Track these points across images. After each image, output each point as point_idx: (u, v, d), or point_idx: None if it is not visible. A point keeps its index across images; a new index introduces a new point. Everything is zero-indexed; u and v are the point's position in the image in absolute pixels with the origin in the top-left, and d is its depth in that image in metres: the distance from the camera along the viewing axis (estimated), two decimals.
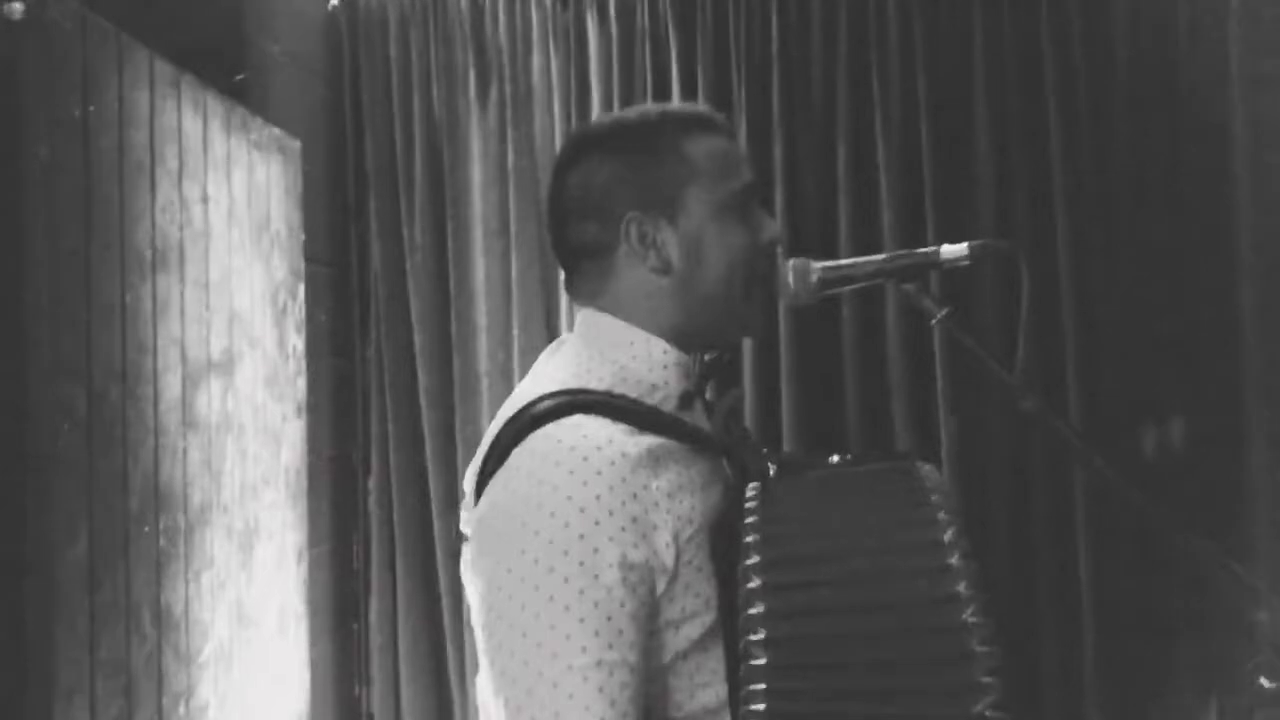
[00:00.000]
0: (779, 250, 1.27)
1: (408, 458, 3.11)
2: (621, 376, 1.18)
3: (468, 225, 3.13)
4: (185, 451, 2.14)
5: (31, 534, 1.71)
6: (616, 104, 3.08)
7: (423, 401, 3.10)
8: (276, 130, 2.65)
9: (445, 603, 3.07)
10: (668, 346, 1.20)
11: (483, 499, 1.11)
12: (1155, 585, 2.90)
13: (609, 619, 1.02)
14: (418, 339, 3.12)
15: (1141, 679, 2.91)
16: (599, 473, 1.04)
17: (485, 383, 3.09)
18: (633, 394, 1.16)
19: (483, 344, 3.11)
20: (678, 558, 1.07)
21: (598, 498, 1.03)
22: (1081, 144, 3.00)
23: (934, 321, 1.28)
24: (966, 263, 1.28)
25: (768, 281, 1.26)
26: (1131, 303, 2.98)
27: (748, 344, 3.00)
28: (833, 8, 3.06)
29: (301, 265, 2.77)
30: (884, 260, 1.31)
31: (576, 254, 1.24)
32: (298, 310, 2.74)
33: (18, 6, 1.69)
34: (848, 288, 1.34)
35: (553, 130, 3.11)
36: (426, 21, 3.15)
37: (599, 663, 1.00)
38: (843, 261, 1.32)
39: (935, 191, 3.01)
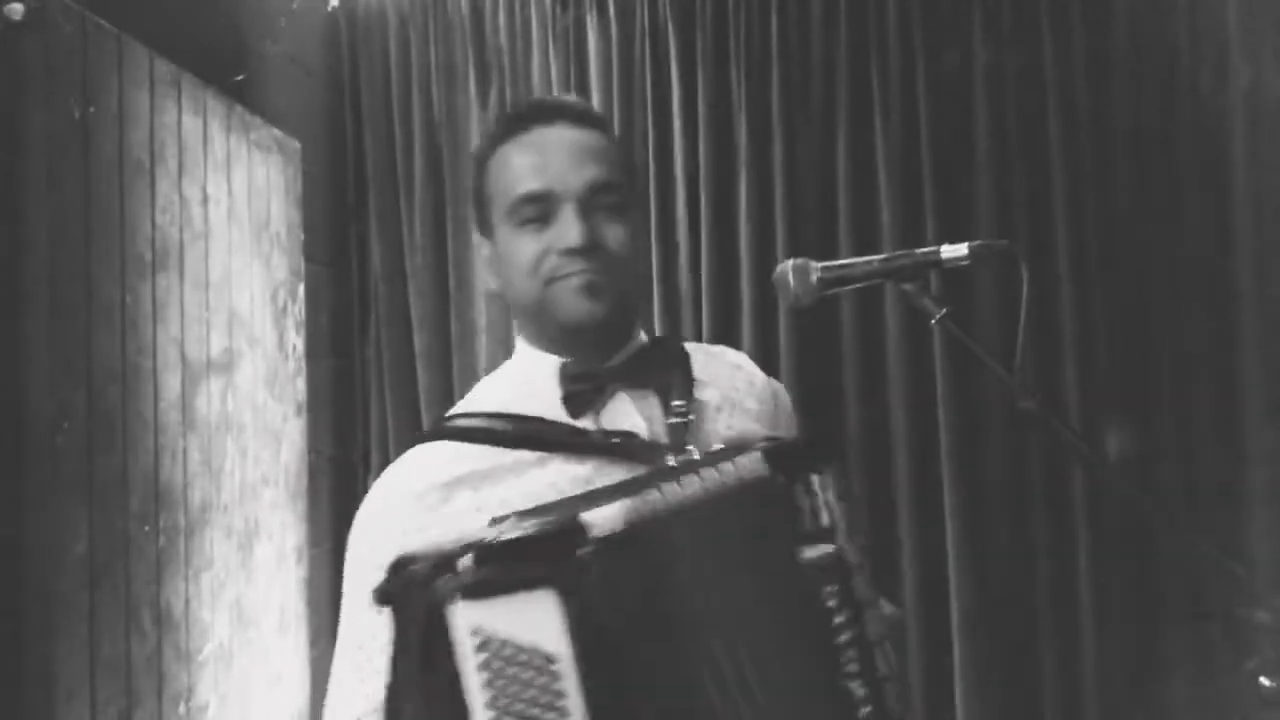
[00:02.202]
0: (579, 254, 1.18)
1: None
2: (514, 389, 1.24)
3: (468, 225, 3.13)
4: (185, 451, 2.14)
5: (31, 534, 1.71)
6: (616, 104, 3.08)
7: (422, 401, 3.10)
8: (276, 130, 2.65)
9: None
10: (544, 356, 1.23)
11: None
12: (1154, 585, 2.90)
13: (360, 647, 1.16)
14: (417, 339, 3.12)
15: (1141, 678, 2.91)
16: (405, 484, 1.19)
17: None
18: (521, 408, 1.20)
19: (483, 344, 3.11)
20: None
21: (400, 500, 1.18)
22: (1081, 145, 3.00)
23: (934, 321, 1.28)
24: (966, 263, 1.28)
25: (570, 283, 1.18)
26: (1130, 303, 2.98)
27: (747, 345, 3.00)
28: (833, 7, 3.06)
29: (301, 265, 2.77)
30: (884, 260, 1.31)
31: None
32: (297, 310, 2.74)
33: (18, 7, 1.69)
34: (848, 288, 1.34)
35: None
36: (426, 22, 3.15)
37: (353, 694, 1.15)
38: (842, 261, 1.32)
39: (935, 192, 3.01)
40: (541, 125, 1.22)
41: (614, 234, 1.20)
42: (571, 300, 1.18)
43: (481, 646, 0.90)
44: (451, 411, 1.26)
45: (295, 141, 2.75)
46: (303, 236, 2.78)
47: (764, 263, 2.97)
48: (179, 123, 2.17)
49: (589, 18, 3.11)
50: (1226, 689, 2.77)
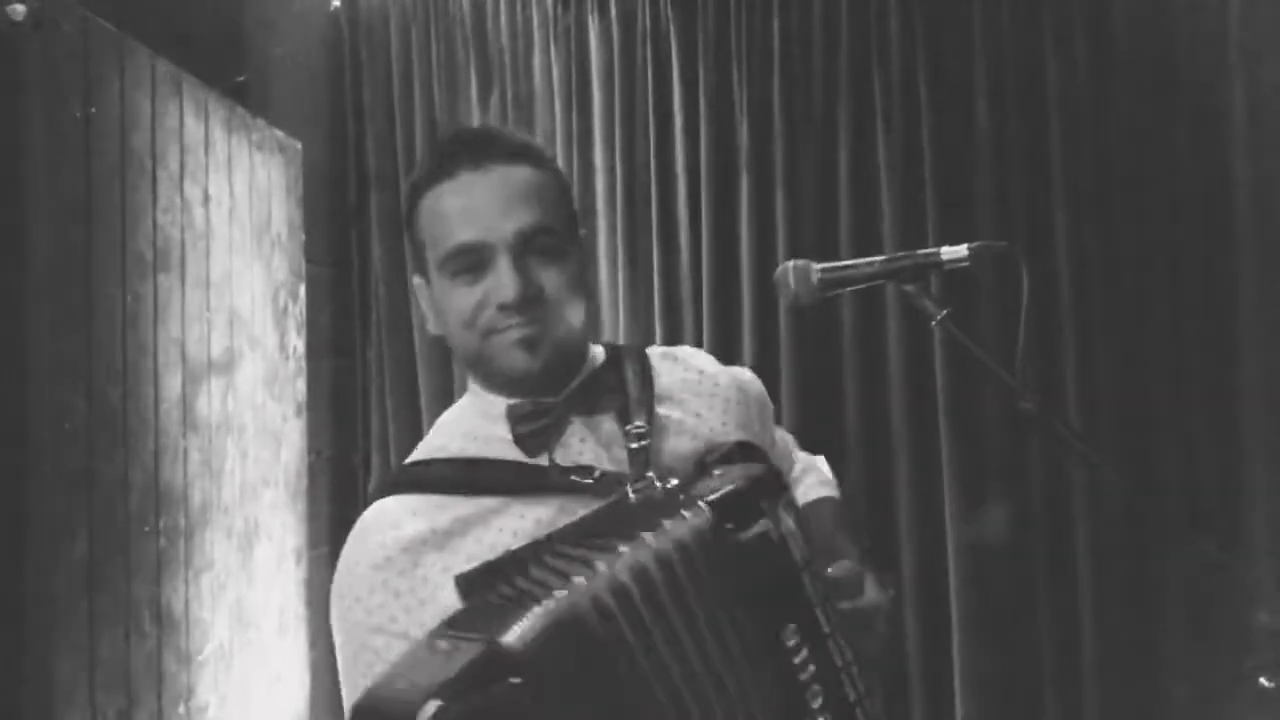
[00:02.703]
0: (515, 308, 1.15)
1: (407, 458, 3.10)
2: (468, 434, 1.22)
3: None
4: (185, 452, 2.15)
5: (31, 534, 1.71)
6: (617, 104, 3.08)
7: (423, 402, 3.10)
8: (277, 131, 2.65)
9: None
10: (494, 399, 1.21)
11: None
12: (1154, 585, 2.90)
13: (364, 679, 1.10)
14: (418, 340, 3.12)
15: (1141, 678, 2.91)
16: (370, 553, 1.15)
17: None
18: (479, 451, 1.20)
19: None
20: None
21: (369, 574, 1.14)
22: (1081, 145, 3.00)
23: (934, 322, 1.28)
24: (966, 264, 1.28)
25: (508, 336, 1.16)
26: (1130, 303, 2.98)
27: (747, 345, 3.00)
28: (834, 8, 3.06)
29: (302, 266, 2.77)
30: (884, 261, 1.31)
31: None
32: (298, 311, 2.74)
33: (20, 8, 1.69)
34: (848, 289, 1.34)
35: (554, 131, 3.12)
36: (428, 22, 3.15)
37: None
38: (843, 263, 1.32)
39: (935, 192, 3.01)
40: (469, 169, 1.16)
41: (551, 280, 1.15)
42: (509, 355, 1.16)
43: None
44: (410, 459, 1.24)
45: (296, 142, 2.75)
46: (303, 237, 2.78)
47: (764, 263, 2.97)
48: (180, 123, 2.17)
49: (590, 18, 3.11)
50: (1227, 689, 2.77)
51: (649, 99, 3.08)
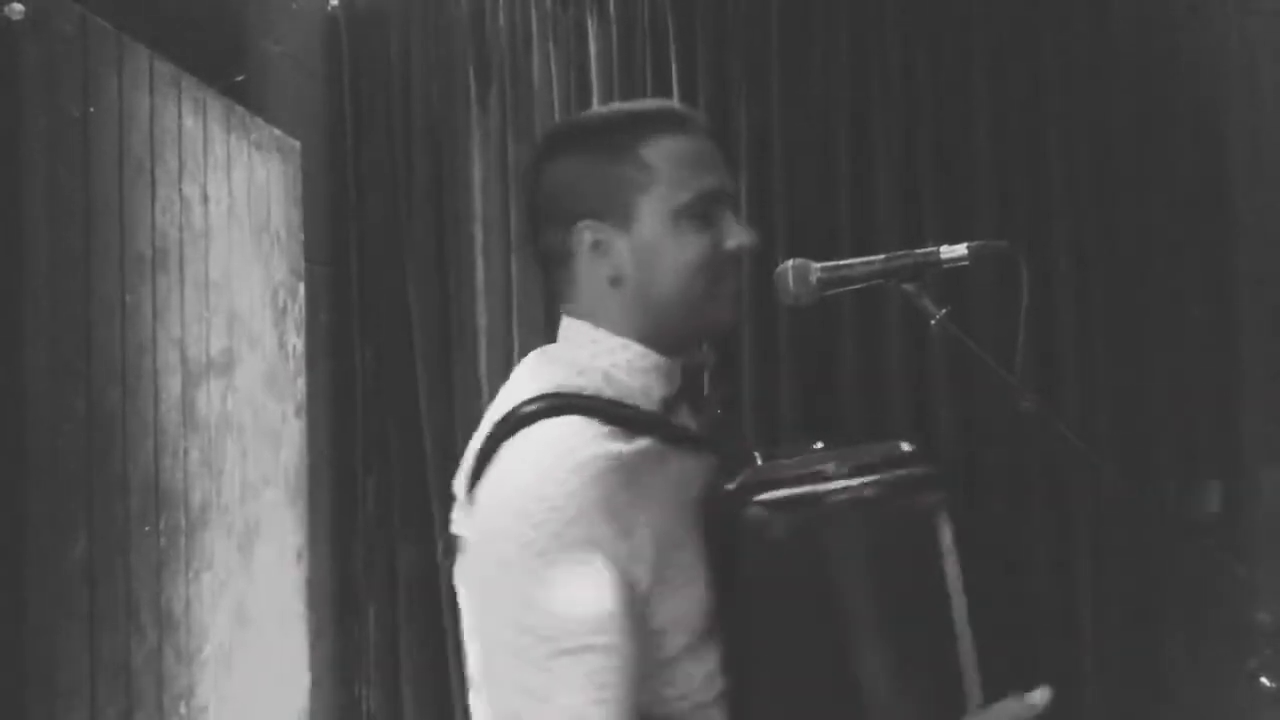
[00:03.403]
0: (743, 257, 1.21)
1: (407, 458, 3.11)
2: (606, 381, 1.18)
3: (468, 225, 3.13)
4: (185, 451, 2.15)
5: (31, 534, 1.71)
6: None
7: (423, 401, 3.10)
8: (276, 130, 2.65)
9: (445, 602, 3.07)
10: (646, 351, 1.19)
11: (479, 499, 1.11)
12: (1154, 585, 2.90)
13: (601, 604, 1.03)
14: (417, 339, 3.12)
15: (1141, 678, 2.91)
16: (587, 468, 1.05)
17: (485, 383, 3.09)
18: (617, 398, 1.16)
19: (482, 345, 3.11)
20: (657, 559, 1.07)
21: (585, 491, 1.04)
22: (1081, 144, 3.00)
23: (933, 321, 1.28)
24: (966, 263, 1.28)
25: (735, 285, 1.21)
26: (1130, 302, 2.98)
27: (747, 345, 3.00)
28: (834, 7, 3.06)
29: (301, 265, 2.77)
30: (884, 260, 1.31)
31: (545, 260, 1.24)
32: (297, 310, 2.74)
33: (18, 7, 1.69)
34: (847, 288, 1.34)
35: None
36: (426, 21, 3.15)
37: (589, 647, 1.01)
38: (842, 262, 1.32)
39: (935, 192, 3.01)
40: (697, 128, 1.21)
41: None
42: (726, 307, 1.20)
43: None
44: (555, 390, 1.14)
45: (295, 141, 2.75)
46: (303, 236, 2.78)
47: (764, 263, 2.96)
48: (179, 123, 2.17)
49: (589, 18, 3.11)
50: (1227, 689, 2.77)
51: (647, 97, 3.08)
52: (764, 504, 1.08)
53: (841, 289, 1.34)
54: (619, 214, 1.18)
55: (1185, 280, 2.98)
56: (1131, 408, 2.96)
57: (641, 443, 1.11)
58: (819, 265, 1.31)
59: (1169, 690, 2.91)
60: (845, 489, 1.10)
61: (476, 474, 1.12)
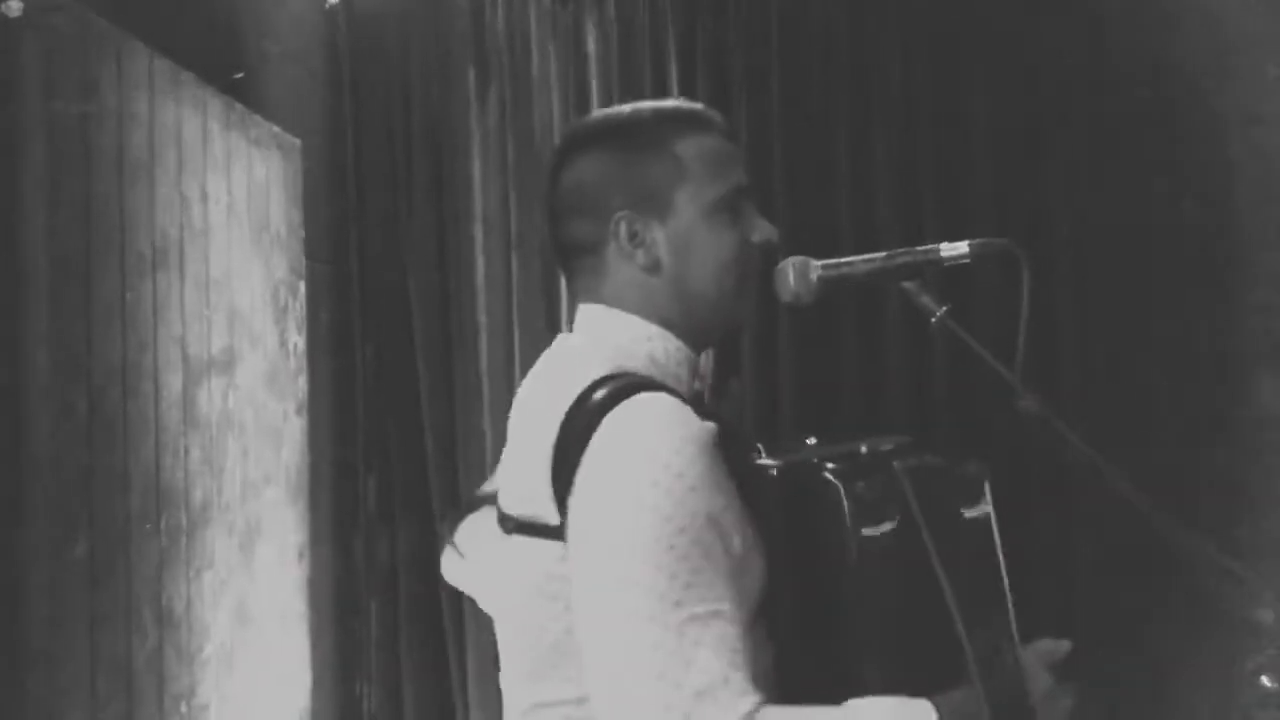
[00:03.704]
0: (772, 250, 1.26)
1: (408, 457, 3.11)
2: (651, 363, 1.20)
3: (467, 224, 3.13)
4: (186, 450, 2.14)
5: (31, 534, 1.71)
6: (616, 103, 3.07)
7: (423, 401, 3.10)
8: (276, 128, 2.65)
9: (445, 602, 3.07)
10: (680, 343, 1.22)
11: (584, 473, 1.09)
12: (1155, 585, 2.89)
13: (719, 571, 1.06)
14: (418, 338, 3.12)
15: (1141, 678, 2.91)
16: (699, 438, 1.09)
17: (485, 382, 3.09)
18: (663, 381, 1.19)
19: (483, 343, 3.11)
20: (742, 530, 1.11)
21: (701, 459, 1.08)
22: (1081, 143, 3.00)
23: (934, 319, 1.28)
24: (966, 261, 1.28)
25: (759, 279, 1.27)
26: (1130, 301, 2.98)
27: (747, 343, 3.00)
28: (833, 7, 3.06)
29: (302, 264, 2.77)
30: (884, 258, 1.31)
31: (571, 251, 1.26)
32: (298, 309, 2.74)
33: (17, 5, 1.69)
34: (848, 286, 1.34)
35: (552, 129, 3.11)
36: (426, 20, 3.15)
37: (717, 613, 1.05)
38: (842, 260, 1.32)
39: (935, 191, 3.01)
40: (720, 128, 1.26)
41: None
42: (750, 304, 1.27)
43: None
44: (615, 371, 1.15)
45: (295, 139, 2.75)
46: (303, 235, 2.78)
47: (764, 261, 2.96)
48: (178, 121, 2.17)
49: (589, 17, 3.11)
50: (1227, 689, 2.77)
51: (647, 97, 3.07)
52: (837, 472, 1.14)
53: (842, 287, 1.33)
54: (656, 206, 1.21)
55: (1186, 278, 2.97)
56: (1131, 407, 2.96)
57: (710, 423, 1.13)
58: (819, 263, 1.31)
59: (1168, 690, 2.90)
60: (903, 460, 1.22)
61: (568, 449, 1.10)
